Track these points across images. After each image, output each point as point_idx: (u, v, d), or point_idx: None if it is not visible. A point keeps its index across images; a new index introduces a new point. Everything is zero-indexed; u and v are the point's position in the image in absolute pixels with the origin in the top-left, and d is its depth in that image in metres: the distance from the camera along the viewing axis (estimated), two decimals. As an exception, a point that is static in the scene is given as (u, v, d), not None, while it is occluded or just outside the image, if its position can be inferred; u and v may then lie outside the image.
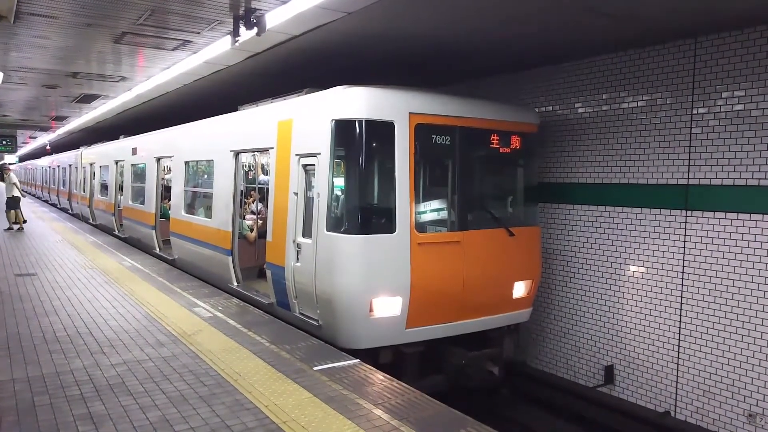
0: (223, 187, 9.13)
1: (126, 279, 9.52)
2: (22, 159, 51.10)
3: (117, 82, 11.18)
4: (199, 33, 7.27)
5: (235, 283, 8.72)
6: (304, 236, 6.85)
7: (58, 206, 27.59)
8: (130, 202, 14.56)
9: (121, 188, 15.87)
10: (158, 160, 12.57)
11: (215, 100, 12.47)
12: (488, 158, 7.42)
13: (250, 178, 11.42)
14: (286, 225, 7.12)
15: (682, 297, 7.00)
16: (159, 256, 12.12)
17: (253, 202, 10.87)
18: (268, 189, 8.01)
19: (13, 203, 16.58)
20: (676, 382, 7.07)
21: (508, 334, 7.62)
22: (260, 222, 9.73)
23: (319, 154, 6.57)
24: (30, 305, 7.68)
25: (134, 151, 14.51)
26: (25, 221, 17.63)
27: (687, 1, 5.54)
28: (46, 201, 32.36)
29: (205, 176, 10.42)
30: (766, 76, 6.15)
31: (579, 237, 8.24)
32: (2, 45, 8.24)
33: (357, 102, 6.27)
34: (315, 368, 5.41)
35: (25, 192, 26.61)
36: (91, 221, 19.57)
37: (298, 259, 6.86)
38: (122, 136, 16.85)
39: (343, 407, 4.53)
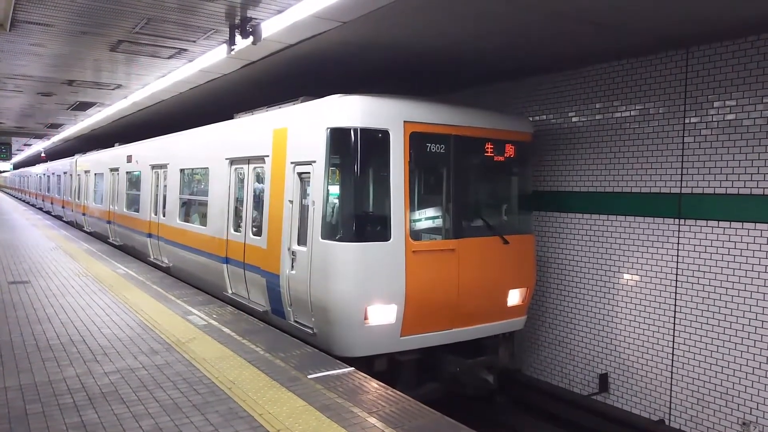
0: (218, 195, 9.13)
1: (120, 286, 9.48)
2: (16, 166, 50.93)
3: (112, 89, 11.19)
4: (194, 41, 7.31)
5: (230, 291, 8.70)
6: (299, 244, 6.85)
7: (52, 214, 27.50)
8: (125, 210, 14.53)
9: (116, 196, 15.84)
10: (153, 167, 12.56)
11: (211, 108, 12.50)
12: (483, 166, 7.46)
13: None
14: (281, 233, 7.13)
15: (675, 305, 7.03)
16: (153, 264, 12.08)
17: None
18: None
19: None
20: (671, 390, 7.09)
21: (503, 342, 7.62)
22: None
23: (314, 162, 6.59)
24: (23, 313, 7.64)
25: (129, 159, 14.50)
26: None
27: (678, 12, 5.61)
28: (40, 209, 32.23)
29: (201, 184, 10.43)
30: (758, 86, 6.22)
31: (573, 245, 8.28)
32: (-2, 52, 8.26)
33: (352, 110, 6.30)
34: (309, 376, 5.40)
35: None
36: (85, 229, 19.50)
37: (293, 266, 6.86)
38: (117, 143, 16.84)
39: (337, 415, 4.51)
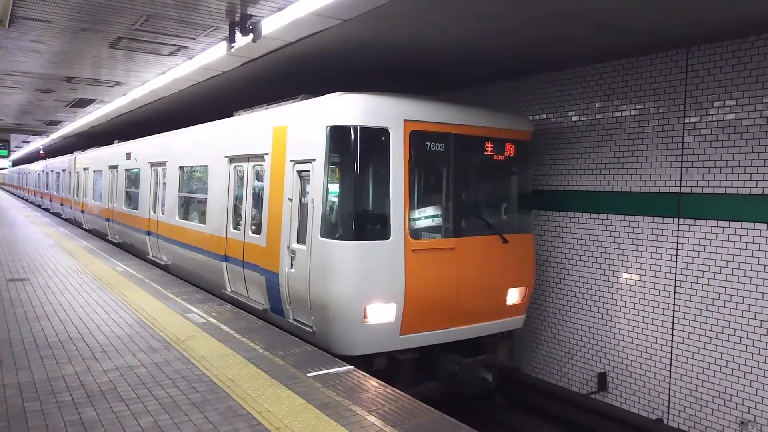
0: (217, 193, 9.12)
1: (119, 284, 9.47)
2: (15, 163, 50.84)
3: (112, 86, 11.17)
4: (194, 39, 7.29)
5: (229, 289, 8.70)
6: (298, 242, 6.85)
7: (51, 211, 27.46)
8: (123, 208, 14.51)
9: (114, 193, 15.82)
10: (152, 165, 12.55)
11: (210, 106, 12.48)
12: (482, 165, 7.45)
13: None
14: (281, 231, 7.12)
15: (674, 304, 7.04)
16: (152, 261, 12.08)
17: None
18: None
19: None
20: (669, 389, 7.10)
21: (502, 341, 7.63)
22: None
23: (313, 160, 6.58)
24: (22, 310, 7.63)
25: (128, 156, 14.48)
26: None
27: (679, 12, 5.60)
28: (38, 206, 32.19)
29: (200, 182, 10.42)
30: (757, 86, 6.22)
31: (572, 244, 8.28)
32: (-3, 49, 8.23)
33: (352, 108, 6.29)
34: (309, 374, 5.40)
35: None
36: (83, 226, 19.49)
37: (292, 265, 6.86)
38: (116, 141, 16.82)
39: (336, 414, 4.51)
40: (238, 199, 8.63)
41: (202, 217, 9.78)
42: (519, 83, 9.00)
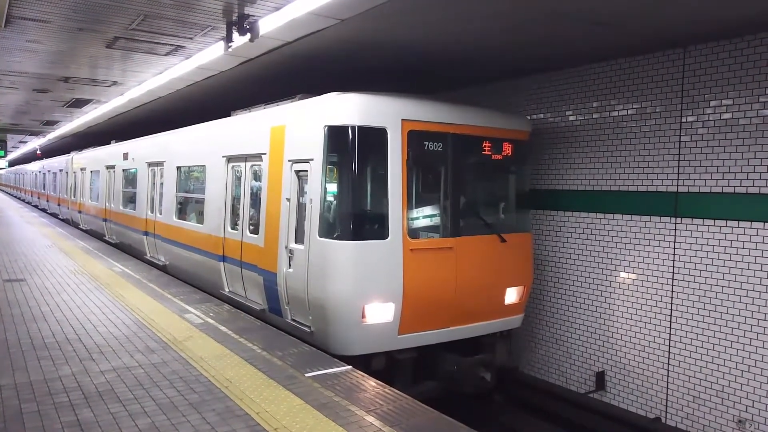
0: (215, 193, 9.11)
1: (116, 285, 9.44)
2: (12, 164, 50.71)
3: (109, 86, 11.14)
4: (192, 38, 7.27)
5: (227, 289, 8.68)
6: (296, 242, 6.84)
7: (48, 211, 27.39)
8: (121, 208, 14.48)
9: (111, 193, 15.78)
10: (150, 165, 12.52)
11: (208, 106, 12.46)
12: (480, 165, 7.46)
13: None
14: (279, 231, 7.11)
15: (672, 303, 7.05)
16: (149, 262, 12.05)
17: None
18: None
19: None
20: (667, 388, 7.11)
21: (501, 340, 7.63)
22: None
23: (311, 159, 6.58)
24: (18, 311, 7.60)
25: (125, 156, 14.45)
26: None
27: (681, 12, 5.61)
28: (35, 206, 32.11)
29: (198, 182, 10.40)
30: (754, 85, 6.23)
31: (570, 243, 8.29)
32: (-7, 49, 8.20)
33: (350, 108, 6.29)
34: (307, 375, 5.39)
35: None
36: (81, 227, 19.44)
37: (290, 265, 6.85)
38: (114, 141, 16.78)
39: (335, 414, 4.51)
40: (236, 199, 8.62)
41: (200, 217, 9.77)
42: (517, 82, 9.00)
